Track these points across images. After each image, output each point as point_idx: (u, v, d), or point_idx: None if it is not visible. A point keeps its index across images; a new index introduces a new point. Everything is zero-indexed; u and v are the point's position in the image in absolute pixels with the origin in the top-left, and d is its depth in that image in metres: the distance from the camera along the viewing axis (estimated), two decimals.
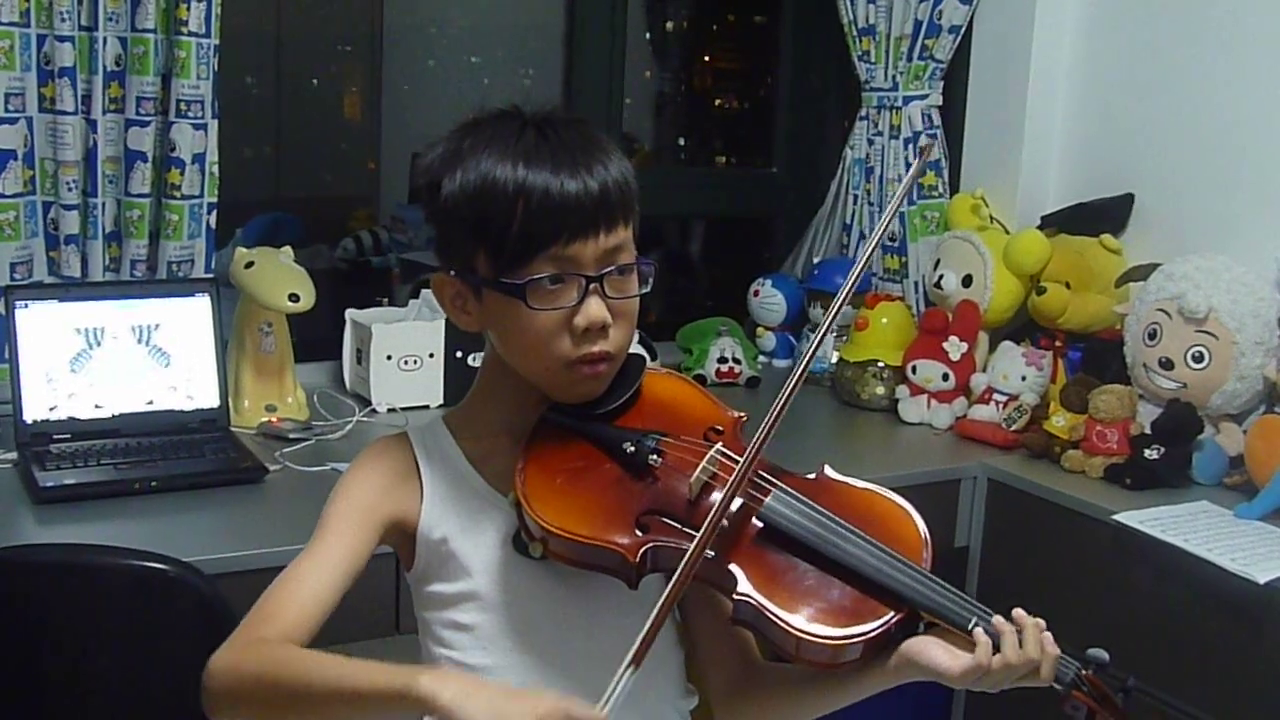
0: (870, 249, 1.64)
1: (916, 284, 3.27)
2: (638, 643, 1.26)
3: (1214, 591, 2.21)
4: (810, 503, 1.42)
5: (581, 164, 1.37)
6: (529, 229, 1.35)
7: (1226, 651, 2.24)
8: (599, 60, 3.58)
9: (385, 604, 2.06)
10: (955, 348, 2.94)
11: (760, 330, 3.48)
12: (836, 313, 1.51)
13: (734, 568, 1.37)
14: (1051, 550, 2.55)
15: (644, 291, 1.45)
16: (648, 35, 4.49)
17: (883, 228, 1.60)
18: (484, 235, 1.38)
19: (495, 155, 1.37)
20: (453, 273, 1.44)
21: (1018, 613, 1.35)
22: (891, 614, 1.35)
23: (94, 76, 2.53)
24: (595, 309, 1.38)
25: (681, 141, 4.75)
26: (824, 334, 1.51)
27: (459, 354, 2.81)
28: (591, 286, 1.38)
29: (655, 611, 1.29)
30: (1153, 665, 2.29)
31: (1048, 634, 1.35)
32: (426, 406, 2.82)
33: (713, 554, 1.36)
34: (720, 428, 1.50)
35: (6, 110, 2.46)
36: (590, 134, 1.43)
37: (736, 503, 1.40)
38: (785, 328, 3.47)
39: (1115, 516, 2.36)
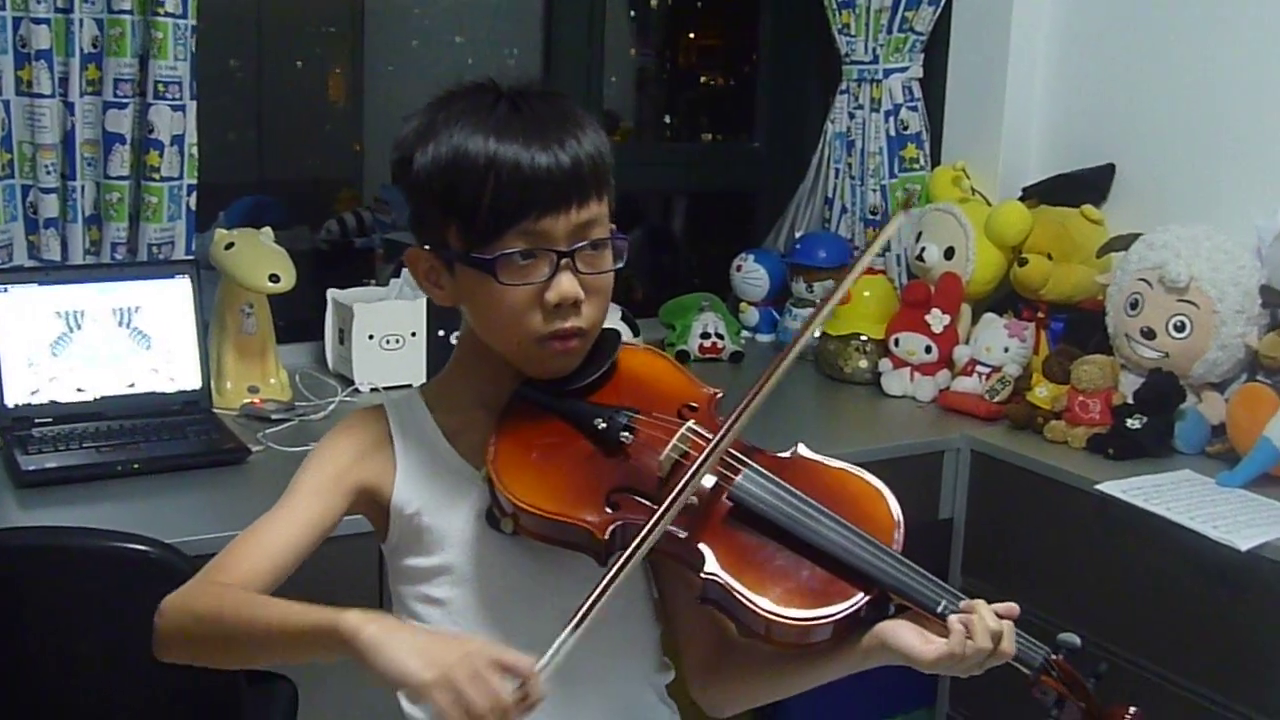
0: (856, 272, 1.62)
1: (899, 257, 3.27)
2: (581, 608, 1.26)
3: (1197, 559, 2.22)
4: (781, 483, 1.41)
5: (554, 137, 1.36)
6: (499, 203, 1.34)
7: (1209, 618, 2.25)
8: (578, 38, 3.58)
9: (370, 583, 2.06)
10: (938, 320, 2.94)
11: (743, 305, 3.48)
12: (819, 313, 1.50)
13: (703, 546, 1.37)
14: (1035, 521, 2.56)
15: (618, 267, 1.43)
16: (632, 13, 4.48)
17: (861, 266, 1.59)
18: (455, 209, 1.37)
19: (467, 128, 1.36)
20: (426, 247, 1.43)
21: (969, 602, 1.34)
22: (861, 595, 1.35)
23: (71, 59, 2.52)
24: (567, 284, 1.37)
25: (667, 119, 4.75)
26: (811, 326, 1.49)
27: (441, 333, 2.80)
28: (563, 262, 1.37)
29: (603, 580, 1.28)
30: (1136, 633, 2.30)
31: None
32: (409, 385, 2.79)
33: (682, 533, 1.36)
34: (695, 404, 1.50)
35: None
36: (565, 107, 1.42)
37: (708, 481, 1.40)
38: (768, 302, 3.48)
39: (1098, 486, 2.37)
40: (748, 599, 1.34)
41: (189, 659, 1.36)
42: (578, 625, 1.25)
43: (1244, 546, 2.11)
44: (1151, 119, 2.89)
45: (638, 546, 1.31)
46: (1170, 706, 2.26)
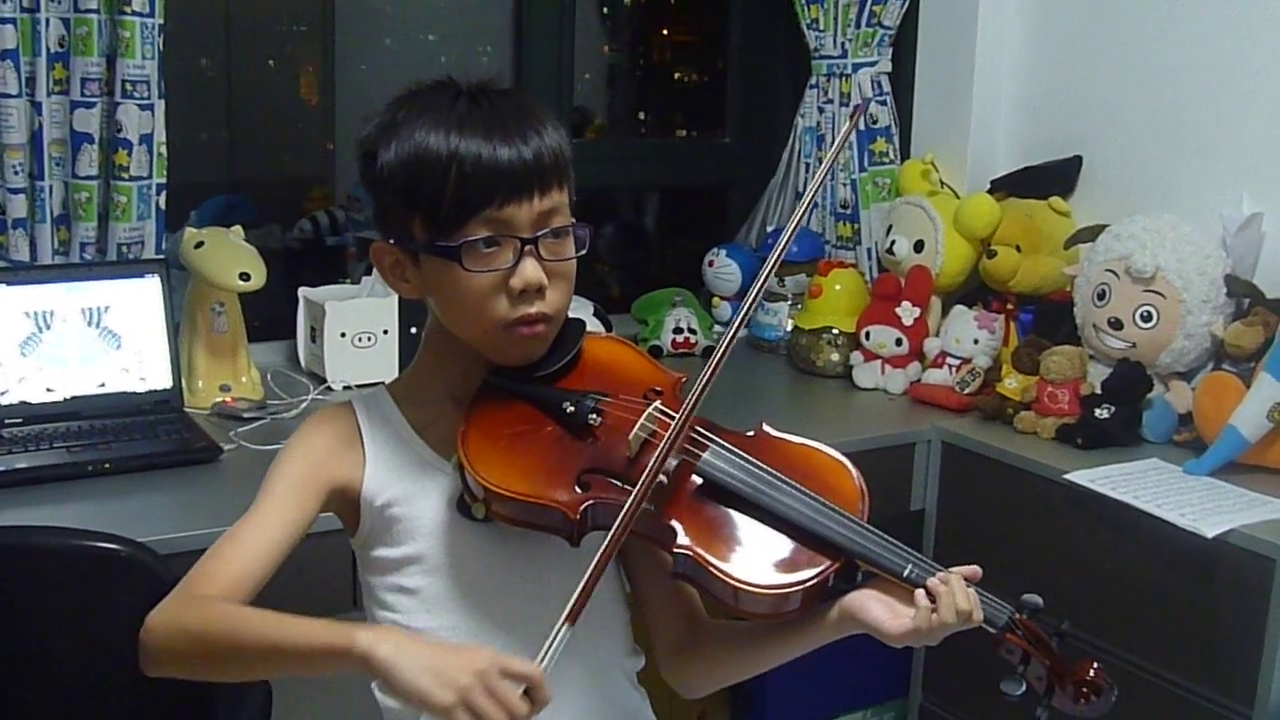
0: (814, 188, 1.63)
1: (869, 250, 3.29)
2: (573, 599, 1.29)
3: (1163, 547, 2.24)
4: (747, 457, 1.44)
5: (515, 131, 1.39)
6: (462, 193, 1.37)
7: (1176, 605, 2.27)
8: (550, 35, 3.58)
9: (343, 579, 2.06)
10: (908, 313, 2.95)
11: (715, 300, 3.49)
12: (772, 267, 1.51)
13: (673, 522, 1.39)
14: (1005, 510, 2.58)
15: (581, 254, 1.46)
16: (603, 10, 4.48)
17: (818, 181, 1.60)
18: (418, 202, 1.40)
19: (429, 124, 1.39)
20: (391, 241, 1.46)
21: (943, 574, 1.37)
22: (828, 563, 1.38)
23: (37, 58, 2.51)
24: (531, 270, 1.40)
25: (641, 116, 4.75)
26: (763, 284, 1.49)
27: (414, 330, 2.80)
28: (526, 248, 1.40)
29: (591, 567, 1.31)
30: (1104, 619, 2.32)
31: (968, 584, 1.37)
32: (382, 383, 2.81)
33: (652, 508, 1.38)
34: (659, 388, 1.52)
35: None
36: (524, 102, 1.45)
37: (675, 459, 1.42)
38: (740, 297, 3.48)
39: (1067, 476, 2.39)
40: (718, 570, 1.37)
41: (178, 674, 1.37)
42: (573, 617, 1.28)
43: (1210, 534, 2.13)
44: (1118, 111, 2.92)
45: (620, 525, 1.33)
46: (1139, 692, 2.28)
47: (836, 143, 1.77)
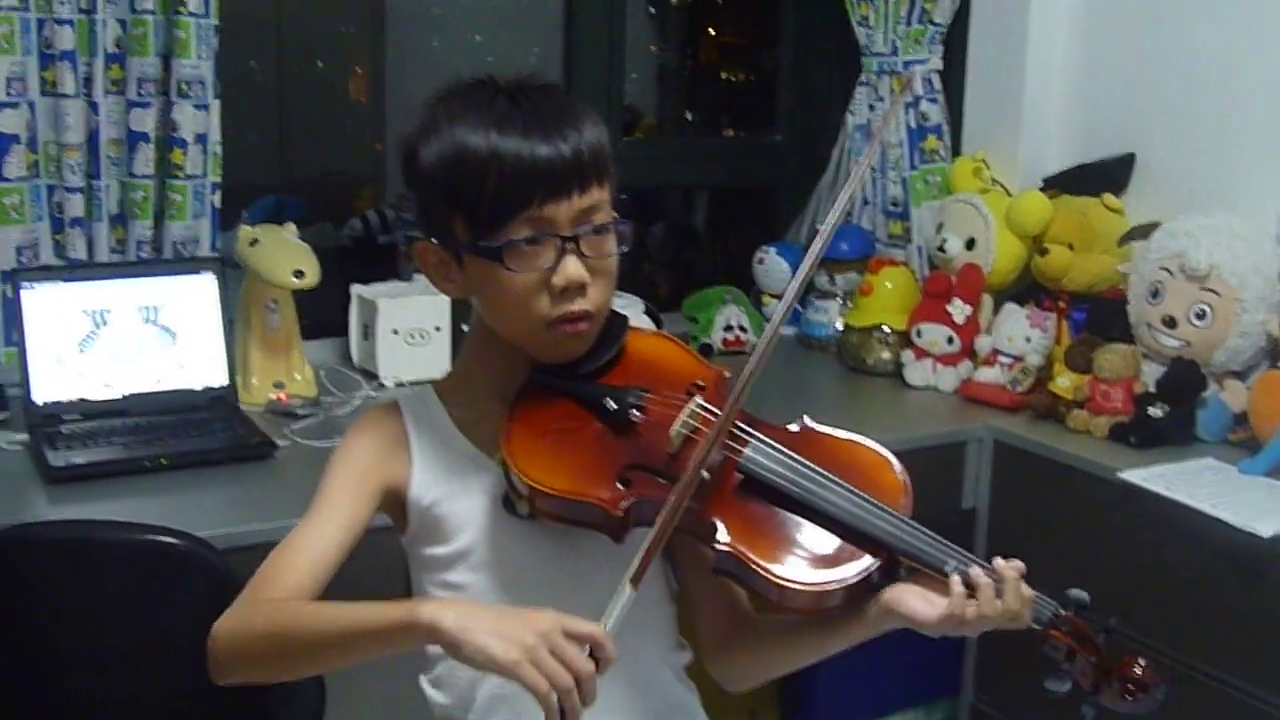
0: (856, 178, 1.62)
1: (920, 248, 3.27)
2: (636, 561, 1.29)
3: (1219, 547, 2.21)
4: (789, 452, 1.43)
5: (554, 129, 1.39)
6: (503, 192, 1.37)
7: (1231, 606, 2.25)
8: (599, 35, 3.59)
9: (398, 576, 2.07)
10: (959, 311, 2.94)
11: (765, 298, 3.48)
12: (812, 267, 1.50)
13: (714, 518, 1.39)
14: (1058, 510, 2.56)
15: (623, 250, 1.46)
16: (651, 10, 4.49)
17: (867, 162, 1.59)
18: (460, 201, 1.40)
19: (468, 123, 1.39)
20: (434, 240, 1.46)
21: (997, 562, 1.37)
22: (871, 560, 1.37)
23: (94, 59, 2.55)
24: (573, 268, 1.40)
25: (689, 115, 4.76)
26: (803, 281, 1.49)
27: (464, 327, 2.80)
28: (568, 246, 1.40)
29: (652, 534, 1.32)
30: (1158, 619, 2.30)
31: (1022, 582, 1.37)
32: (429, 381, 2.83)
33: (695, 505, 1.38)
34: (702, 383, 1.52)
35: (9, 94, 2.48)
36: (563, 100, 1.45)
37: (718, 455, 1.41)
38: None
39: (1120, 475, 2.37)
40: (760, 567, 1.36)
41: (249, 678, 1.38)
42: (636, 580, 1.29)
43: (1266, 533, 2.11)
44: (1171, 108, 2.89)
45: (667, 516, 1.33)
46: (1192, 693, 2.26)
47: (885, 115, 1.75)
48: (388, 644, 1.29)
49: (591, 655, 1.23)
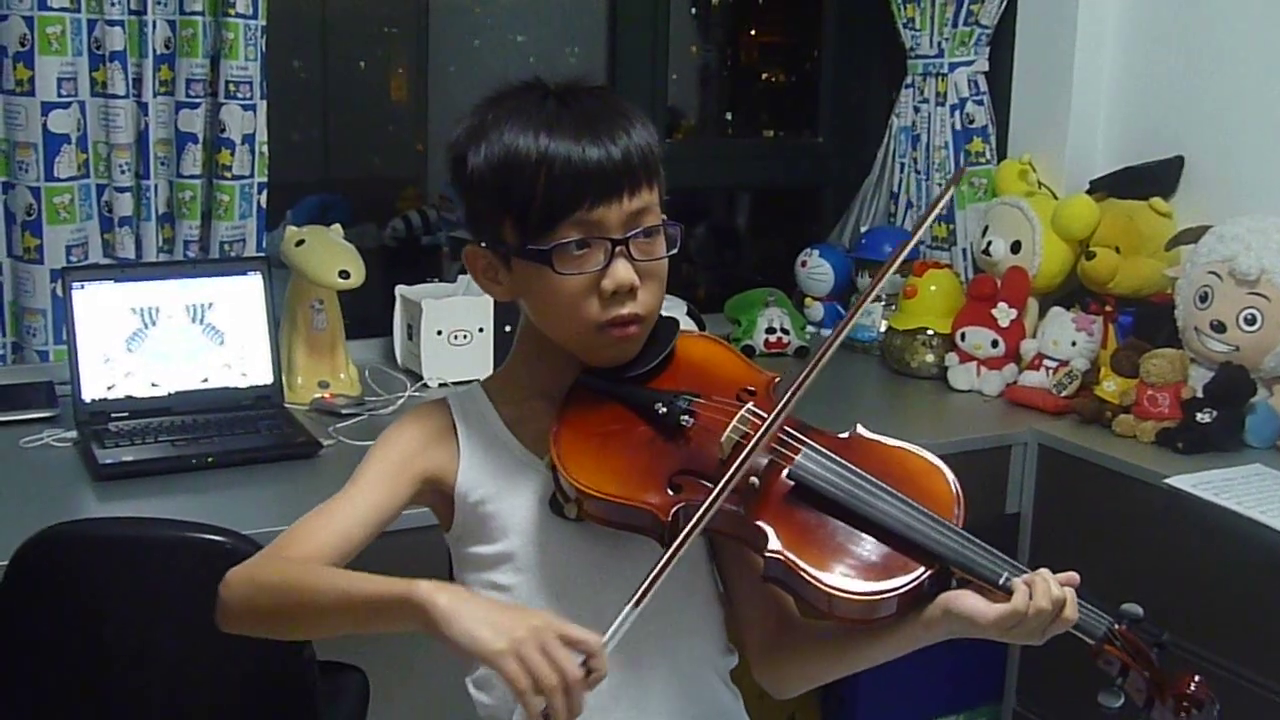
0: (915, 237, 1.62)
1: (964, 251, 3.26)
2: (644, 583, 1.28)
3: (1268, 554, 2.19)
4: (841, 460, 1.42)
5: (603, 131, 1.39)
6: (552, 196, 1.37)
7: None
8: (642, 36, 3.59)
9: (440, 575, 2.08)
10: (1004, 314, 2.93)
11: (808, 300, 3.48)
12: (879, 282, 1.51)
13: (764, 525, 1.38)
14: (1104, 515, 2.54)
15: (672, 253, 1.46)
16: (693, 10, 4.48)
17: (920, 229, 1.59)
18: (509, 205, 1.40)
19: (518, 127, 1.39)
20: (483, 244, 1.46)
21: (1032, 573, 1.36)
22: (923, 570, 1.36)
23: (144, 60, 2.57)
24: (622, 271, 1.40)
25: (729, 116, 4.74)
26: (867, 299, 1.50)
27: (508, 328, 2.82)
28: (617, 249, 1.40)
29: (663, 557, 1.31)
30: (1206, 627, 2.28)
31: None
32: (477, 380, 2.84)
33: (741, 511, 1.37)
34: (753, 388, 1.51)
35: (60, 95, 2.51)
36: (612, 102, 1.45)
37: (766, 460, 1.41)
38: (833, 298, 3.47)
39: (1167, 480, 2.35)
40: (811, 575, 1.35)
41: (252, 629, 1.39)
42: (639, 601, 1.28)
43: None
44: (1220, 110, 2.86)
45: (696, 523, 1.33)
46: (1242, 701, 2.23)
47: (933, 203, 1.74)
48: (383, 616, 1.29)
49: (584, 665, 1.21)
